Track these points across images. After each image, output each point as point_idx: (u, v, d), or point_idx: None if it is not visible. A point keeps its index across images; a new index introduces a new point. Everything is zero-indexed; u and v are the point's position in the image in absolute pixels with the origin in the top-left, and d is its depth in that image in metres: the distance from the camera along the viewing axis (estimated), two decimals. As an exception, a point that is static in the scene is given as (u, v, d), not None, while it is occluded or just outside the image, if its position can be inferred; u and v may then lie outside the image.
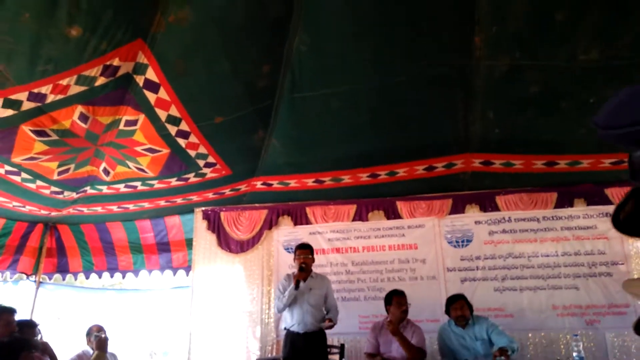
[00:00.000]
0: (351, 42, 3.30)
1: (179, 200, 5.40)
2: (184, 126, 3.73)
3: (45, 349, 3.79)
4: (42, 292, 6.11)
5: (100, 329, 4.40)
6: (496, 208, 5.23)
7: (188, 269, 5.94)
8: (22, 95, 2.94)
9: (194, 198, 5.39)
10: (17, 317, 3.96)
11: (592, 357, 4.52)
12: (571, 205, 5.07)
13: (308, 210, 5.59)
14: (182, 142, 3.94)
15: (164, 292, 6.80)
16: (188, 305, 5.61)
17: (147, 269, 6.17)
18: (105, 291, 7.40)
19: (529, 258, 5.04)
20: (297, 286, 4.20)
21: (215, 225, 5.78)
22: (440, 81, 3.63)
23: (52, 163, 3.98)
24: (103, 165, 4.28)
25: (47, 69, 2.76)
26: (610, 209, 4.88)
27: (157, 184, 4.75)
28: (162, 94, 3.30)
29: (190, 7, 2.74)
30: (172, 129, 3.74)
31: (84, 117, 3.35)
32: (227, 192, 5.31)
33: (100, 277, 6.29)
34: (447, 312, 4.34)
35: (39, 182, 4.33)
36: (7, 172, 4.00)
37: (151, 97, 3.32)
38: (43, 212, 5.34)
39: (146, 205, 5.44)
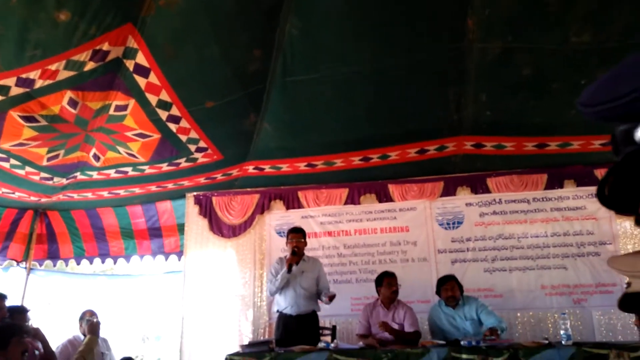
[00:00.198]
0: (343, 26, 3.27)
1: (170, 186, 5.38)
2: (174, 111, 3.70)
3: (37, 335, 3.78)
4: (32, 278, 6.08)
5: (92, 314, 4.40)
6: (487, 190, 5.27)
7: (180, 254, 5.93)
8: (10, 81, 2.89)
9: (186, 183, 5.37)
10: (8, 303, 3.95)
11: (579, 335, 4.61)
12: (561, 186, 5.12)
13: (300, 194, 5.60)
14: (173, 127, 3.91)
15: (156, 277, 6.81)
16: (180, 290, 5.61)
17: (139, 255, 6.15)
18: (96, 277, 7.37)
19: (518, 239, 5.10)
20: (289, 270, 4.23)
21: (207, 210, 5.76)
22: (433, 64, 3.63)
23: (41, 149, 3.93)
24: (93, 150, 4.24)
25: (35, 54, 2.71)
26: (599, 190, 4.97)
27: (148, 169, 4.72)
28: (153, 78, 3.27)
29: (181, -11, 2.70)
30: (163, 114, 3.71)
31: (73, 103, 3.31)
32: (219, 176, 5.29)
33: (91, 263, 6.26)
34: (438, 292, 4.41)
35: (28, 168, 4.28)
36: (-5, 158, 3.95)
37: (141, 81, 3.28)
38: (33, 198, 5.29)
39: (137, 190, 5.41)
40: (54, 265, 6.29)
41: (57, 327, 5.57)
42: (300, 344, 3.73)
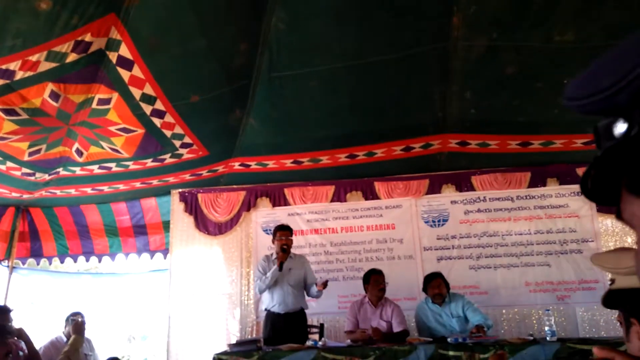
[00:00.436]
0: (329, 22, 3.27)
1: (155, 182, 5.33)
2: (159, 105, 3.66)
3: (20, 335, 3.72)
4: (15, 277, 5.98)
5: (78, 314, 4.34)
6: (472, 188, 5.31)
7: (165, 251, 5.88)
8: (-10, 72, 2.83)
9: (171, 179, 5.32)
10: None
11: (563, 331, 4.66)
12: (544, 184, 5.18)
13: (286, 191, 5.59)
14: (157, 121, 3.87)
15: (141, 276, 6.74)
16: (166, 289, 5.56)
17: (124, 252, 6.07)
18: (80, 275, 7.29)
19: (502, 236, 5.14)
20: (281, 267, 4.21)
21: (192, 207, 5.72)
22: (418, 62, 3.64)
23: (22, 143, 3.87)
24: (76, 145, 4.18)
25: (15, 44, 2.66)
26: (582, 188, 5.03)
27: (132, 165, 4.67)
28: (137, 71, 3.23)
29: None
30: (147, 108, 3.67)
31: (55, 95, 3.26)
32: (205, 173, 5.26)
33: (75, 261, 6.17)
34: (425, 290, 4.42)
35: (9, 164, 4.21)
36: (-25, 153, 3.88)
37: (125, 74, 3.24)
38: (14, 194, 5.21)
39: (121, 187, 5.35)
40: (37, 264, 6.19)
41: (40, 326, 5.49)
42: (288, 342, 3.72)
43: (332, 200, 5.50)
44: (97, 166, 4.62)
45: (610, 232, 4.94)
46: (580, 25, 3.19)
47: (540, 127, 4.41)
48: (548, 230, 5.07)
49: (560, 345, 3.41)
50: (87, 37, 2.79)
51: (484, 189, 5.27)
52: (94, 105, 3.53)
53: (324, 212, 5.49)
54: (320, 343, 3.76)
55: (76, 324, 4.01)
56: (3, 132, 3.59)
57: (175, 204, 5.75)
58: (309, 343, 3.81)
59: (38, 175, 4.62)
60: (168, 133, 4.09)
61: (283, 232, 4.37)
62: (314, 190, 5.54)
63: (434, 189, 5.36)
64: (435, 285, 4.30)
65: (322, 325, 4.70)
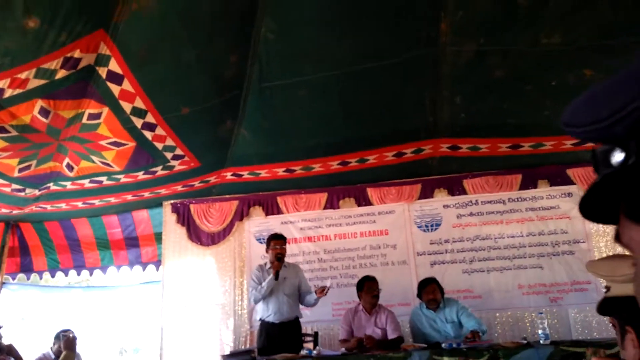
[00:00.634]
0: (318, 31, 3.29)
1: (147, 194, 5.29)
2: (149, 118, 3.65)
3: (10, 351, 3.68)
4: (5, 292, 5.91)
5: (68, 331, 4.30)
6: (463, 191, 5.33)
7: (158, 263, 5.83)
8: (-22, 91, 2.81)
9: (162, 191, 5.29)
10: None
11: (556, 332, 4.68)
12: (535, 186, 5.21)
13: (279, 200, 5.57)
14: (148, 134, 3.85)
15: (134, 288, 6.69)
16: (159, 301, 5.52)
17: (116, 265, 6.02)
18: (71, 289, 7.23)
19: (495, 240, 5.17)
20: (277, 277, 4.19)
21: (185, 218, 5.69)
22: (407, 68, 3.67)
23: (12, 160, 3.83)
24: (66, 160, 4.14)
25: (3, 62, 2.64)
26: (572, 188, 5.07)
27: (123, 178, 4.64)
28: (127, 85, 3.22)
29: (154, -5, 2.67)
30: (138, 122, 3.66)
31: (44, 112, 3.23)
32: (197, 184, 5.24)
33: (66, 275, 6.11)
34: (419, 295, 4.42)
35: (-2, 180, 4.16)
36: (-36, 170, 3.84)
37: (115, 89, 3.23)
38: (4, 210, 5.15)
39: (112, 200, 5.31)
40: (28, 279, 6.12)
41: (31, 342, 5.43)
42: (282, 352, 3.71)
43: (325, 208, 5.49)
44: (88, 180, 4.59)
45: (602, 232, 4.98)
46: (566, 27, 3.23)
47: (530, 130, 4.44)
48: (540, 232, 5.10)
49: (553, 349, 3.43)
50: (76, 54, 2.78)
51: (475, 192, 5.29)
52: (84, 120, 3.51)
53: (317, 220, 5.49)
54: (314, 352, 3.75)
55: (67, 339, 3.97)
56: (-8, 149, 3.55)
57: (167, 216, 5.71)
58: (303, 352, 3.80)
59: (28, 190, 4.58)
60: (159, 145, 4.07)
61: (277, 241, 4.36)
62: (307, 198, 5.53)
63: (427, 193, 5.37)
64: (430, 291, 4.31)
65: (316, 333, 4.69)
